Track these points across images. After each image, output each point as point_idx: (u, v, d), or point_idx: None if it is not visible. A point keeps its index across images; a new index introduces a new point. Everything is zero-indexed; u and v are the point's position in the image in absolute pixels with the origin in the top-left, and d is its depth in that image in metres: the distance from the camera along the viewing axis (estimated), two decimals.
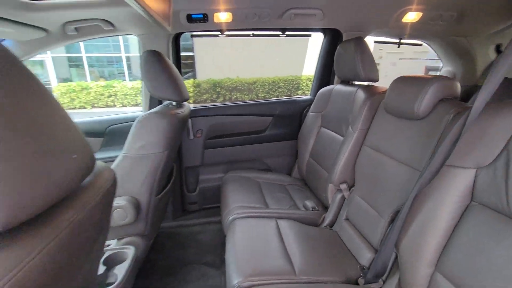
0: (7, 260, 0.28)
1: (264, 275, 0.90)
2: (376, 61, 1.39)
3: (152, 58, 1.19)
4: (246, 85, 9.23)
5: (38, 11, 1.18)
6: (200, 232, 1.84)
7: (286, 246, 1.07)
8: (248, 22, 1.55)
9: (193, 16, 1.40)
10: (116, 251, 1.08)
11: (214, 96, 9.20)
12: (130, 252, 1.08)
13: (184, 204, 1.99)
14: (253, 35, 1.77)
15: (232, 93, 9.25)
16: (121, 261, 1.03)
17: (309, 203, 1.43)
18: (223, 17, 1.44)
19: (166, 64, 1.24)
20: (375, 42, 2.09)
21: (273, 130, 1.98)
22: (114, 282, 0.94)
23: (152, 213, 1.22)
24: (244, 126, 1.96)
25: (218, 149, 1.95)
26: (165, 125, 1.15)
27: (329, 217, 1.33)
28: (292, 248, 1.06)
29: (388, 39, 1.92)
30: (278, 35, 1.77)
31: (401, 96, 1.00)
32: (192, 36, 1.71)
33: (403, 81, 1.01)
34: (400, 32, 1.78)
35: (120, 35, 1.56)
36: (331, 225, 1.32)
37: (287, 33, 1.75)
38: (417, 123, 0.95)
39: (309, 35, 2.00)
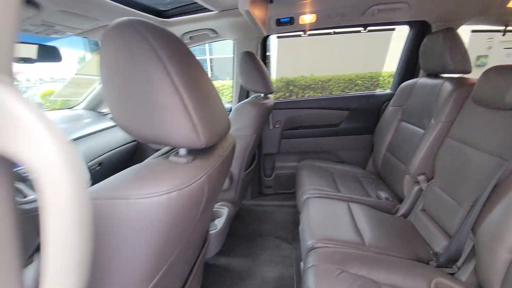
0: (203, 164, 0.52)
1: (335, 240, 1.04)
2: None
3: (248, 57, 1.45)
4: (320, 83, 9.10)
5: (170, 26, 1.58)
6: (274, 211, 2.06)
7: (356, 222, 1.17)
8: (330, 21, 1.67)
9: (281, 20, 1.61)
10: (215, 209, 1.39)
11: (287, 94, 9.39)
12: (224, 211, 1.37)
13: (261, 187, 2.25)
14: (334, 33, 1.87)
15: (305, 91, 9.27)
16: (219, 217, 1.33)
17: (383, 194, 1.47)
18: (307, 18, 1.60)
19: (258, 62, 1.48)
20: (473, 31, 1.90)
21: (348, 124, 2.04)
22: (214, 229, 1.23)
23: (240, 184, 1.49)
24: (320, 119, 2.08)
25: (293, 140, 2.13)
26: (254, 113, 1.40)
27: (404, 207, 1.35)
28: (362, 225, 1.15)
29: (487, 27, 1.73)
30: (359, 31, 1.83)
31: (492, 86, 0.97)
32: (278, 37, 1.93)
33: (495, 71, 0.98)
34: (504, 18, 1.60)
35: (220, 40, 1.90)
36: (406, 216, 1.34)
37: (369, 28, 1.79)
38: (509, 113, 0.92)
39: (393, 29, 1.97)
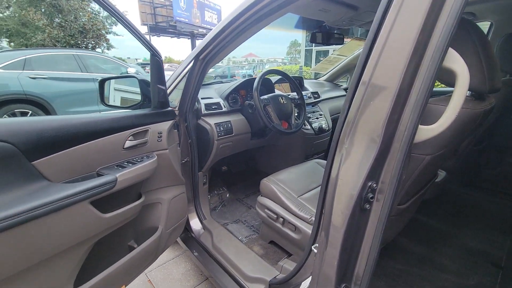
0: (480, 103, 0.86)
1: None
2: None
3: None
4: None
5: None
6: (488, 204, 1.95)
7: None
8: None
9: None
10: None
11: None
12: (442, 174, 1.61)
13: (476, 177, 2.13)
14: None
15: None
16: None
17: None
18: None
19: None
20: None
21: None
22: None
23: (464, 156, 1.63)
24: None
25: None
26: (500, 94, 1.44)
27: None
28: None
29: None
30: None
31: None
32: None
33: None
34: None
35: (478, 22, 1.92)
36: None
37: None
38: None
39: None
